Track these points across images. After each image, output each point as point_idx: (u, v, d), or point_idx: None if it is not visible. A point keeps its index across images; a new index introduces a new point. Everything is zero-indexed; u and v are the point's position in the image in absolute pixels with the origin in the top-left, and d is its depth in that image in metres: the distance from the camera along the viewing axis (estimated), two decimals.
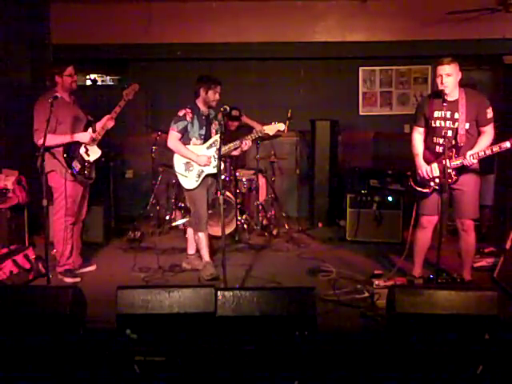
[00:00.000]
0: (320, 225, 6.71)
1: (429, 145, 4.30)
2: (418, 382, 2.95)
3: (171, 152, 4.78)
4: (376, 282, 4.15)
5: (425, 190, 4.29)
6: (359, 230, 5.92)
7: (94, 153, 4.69)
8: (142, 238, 6.03)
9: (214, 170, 4.65)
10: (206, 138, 4.72)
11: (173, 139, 4.70)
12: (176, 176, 6.40)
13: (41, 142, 4.18)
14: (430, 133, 4.27)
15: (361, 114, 7.32)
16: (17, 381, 2.92)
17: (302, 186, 7.18)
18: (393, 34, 6.70)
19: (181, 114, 4.67)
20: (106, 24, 6.70)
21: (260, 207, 6.27)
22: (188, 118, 4.66)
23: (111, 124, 4.67)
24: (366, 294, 4.16)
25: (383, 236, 5.81)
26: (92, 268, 5.02)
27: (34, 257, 4.78)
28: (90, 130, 4.66)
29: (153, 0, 6.69)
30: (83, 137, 4.59)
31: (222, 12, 6.72)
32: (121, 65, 7.35)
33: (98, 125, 4.68)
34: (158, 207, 6.59)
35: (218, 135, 4.55)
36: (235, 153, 4.95)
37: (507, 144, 3.93)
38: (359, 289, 4.29)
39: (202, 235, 4.74)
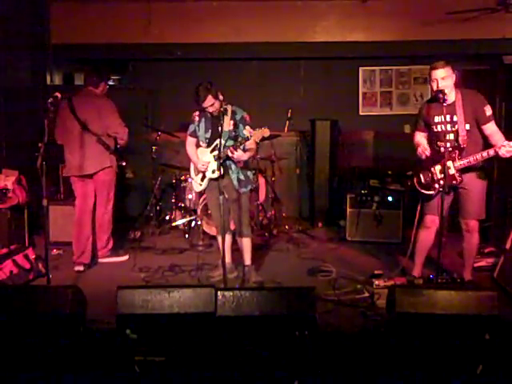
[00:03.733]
0: (320, 225, 6.72)
1: (433, 150, 4.28)
2: (418, 382, 2.95)
3: None
4: (376, 282, 4.15)
5: (429, 193, 4.28)
6: (359, 230, 5.92)
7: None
8: (141, 238, 6.04)
9: (213, 175, 4.47)
10: (211, 141, 4.51)
11: (187, 142, 4.69)
12: (175, 176, 6.48)
13: (126, 131, 5.07)
14: (433, 138, 4.27)
15: (361, 113, 7.32)
16: (17, 381, 2.92)
17: (301, 185, 7.18)
18: (393, 34, 6.69)
19: (192, 117, 4.62)
20: (106, 24, 6.69)
21: (260, 207, 6.27)
22: (195, 121, 4.58)
23: None
24: (366, 294, 4.16)
25: (383, 236, 5.81)
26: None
27: (33, 257, 4.78)
28: None
29: (153, 0, 6.68)
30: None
31: (222, 12, 6.72)
32: (121, 65, 7.35)
33: None
34: (157, 207, 6.60)
35: (219, 139, 4.37)
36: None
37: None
38: (359, 289, 4.30)
39: (218, 238, 4.61)
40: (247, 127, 4.39)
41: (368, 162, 7.17)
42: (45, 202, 3.97)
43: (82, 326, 3.11)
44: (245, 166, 4.60)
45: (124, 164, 5.19)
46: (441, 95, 3.98)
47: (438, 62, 4.08)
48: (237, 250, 4.90)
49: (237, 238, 4.67)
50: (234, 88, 6.37)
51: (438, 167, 4.21)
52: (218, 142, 4.39)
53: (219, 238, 4.57)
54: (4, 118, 5.89)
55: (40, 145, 4.13)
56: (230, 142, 4.43)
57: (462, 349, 2.95)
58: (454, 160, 4.06)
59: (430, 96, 4.15)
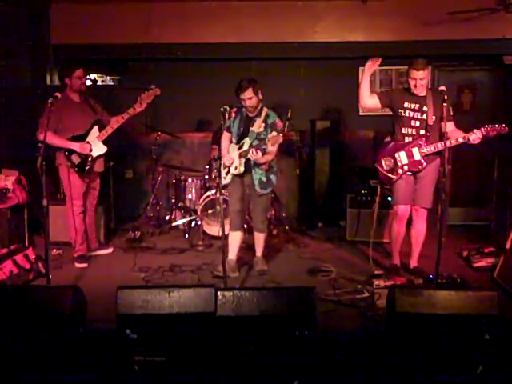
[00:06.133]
0: (320, 225, 6.71)
1: (398, 137, 4.56)
2: (418, 382, 2.95)
3: None
4: (376, 282, 4.15)
5: (392, 176, 4.53)
6: (359, 230, 5.92)
7: (98, 149, 5.05)
8: (141, 238, 6.03)
9: (235, 172, 4.69)
10: (240, 139, 4.72)
11: (222, 136, 4.79)
12: (175, 176, 6.48)
13: (41, 136, 4.60)
14: (399, 124, 4.53)
15: (361, 114, 7.31)
16: (17, 381, 2.92)
17: (302, 186, 7.17)
18: (393, 34, 6.68)
19: (229, 112, 4.67)
20: (106, 24, 6.68)
21: None
22: (231, 117, 4.72)
23: (117, 124, 5.05)
24: (366, 294, 4.17)
25: (383, 236, 5.80)
26: (109, 250, 5.48)
27: (33, 257, 4.79)
28: (94, 128, 5.04)
29: (153, 0, 6.68)
30: (78, 147, 4.94)
31: (222, 12, 6.71)
32: (121, 65, 7.34)
33: (113, 121, 5.05)
34: (158, 207, 6.60)
35: (247, 138, 4.63)
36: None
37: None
38: (359, 289, 4.30)
39: (230, 233, 4.82)
40: (274, 132, 4.55)
41: (368, 162, 7.15)
42: (45, 202, 3.98)
43: (81, 326, 3.11)
44: (269, 168, 4.76)
45: (69, 164, 4.96)
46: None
47: (420, 62, 4.35)
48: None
49: (254, 231, 4.99)
50: (234, 88, 6.36)
51: (402, 153, 4.47)
52: (244, 140, 4.66)
53: (230, 233, 4.82)
54: (4, 118, 5.89)
55: (40, 145, 4.14)
56: (258, 143, 4.61)
57: (462, 349, 2.95)
58: (420, 147, 4.40)
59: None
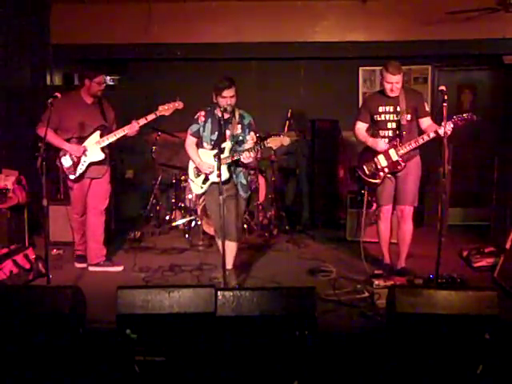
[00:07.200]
0: (320, 225, 6.72)
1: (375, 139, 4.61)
2: (418, 382, 2.95)
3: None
4: (376, 282, 4.16)
5: (375, 181, 4.57)
6: (359, 230, 5.92)
7: (94, 155, 4.86)
8: (141, 238, 6.04)
9: (216, 180, 4.22)
10: (218, 143, 4.32)
11: (187, 142, 4.53)
12: (175, 176, 6.48)
13: (40, 131, 4.60)
14: (375, 127, 4.60)
15: None
16: (17, 381, 2.92)
17: (302, 186, 7.17)
18: (393, 34, 6.69)
19: (196, 116, 4.50)
20: (106, 24, 6.69)
21: (260, 207, 6.27)
22: (200, 121, 4.47)
23: (131, 132, 4.91)
24: (366, 294, 4.17)
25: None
26: (119, 268, 5.05)
27: (33, 257, 4.79)
28: (96, 133, 4.87)
29: (153, 0, 6.68)
30: (69, 148, 4.81)
31: (222, 12, 6.71)
32: (121, 65, 7.34)
33: (121, 131, 4.89)
34: (158, 207, 6.60)
35: (227, 142, 4.36)
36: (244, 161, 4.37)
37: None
38: (359, 289, 4.30)
39: (218, 242, 4.50)
40: (251, 133, 4.42)
41: None
42: (45, 202, 3.98)
43: (81, 326, 3.10)
44: (247, 170, 4.60)
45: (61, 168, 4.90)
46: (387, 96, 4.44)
47: (395, 66, 4.34)
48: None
49: (226, 239, 4.25)
50: None
51: (381, 156, 4.52)
52: (224, 145, 4.36)
53: (219, 242, 4.49)
54: (4, 118, 5.90)
55: (40, 145, 4.15)
56: (236, 146, 4.40)
57: (462, 349, 2.95)
58: (396, 147, 4.44)
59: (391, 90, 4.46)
